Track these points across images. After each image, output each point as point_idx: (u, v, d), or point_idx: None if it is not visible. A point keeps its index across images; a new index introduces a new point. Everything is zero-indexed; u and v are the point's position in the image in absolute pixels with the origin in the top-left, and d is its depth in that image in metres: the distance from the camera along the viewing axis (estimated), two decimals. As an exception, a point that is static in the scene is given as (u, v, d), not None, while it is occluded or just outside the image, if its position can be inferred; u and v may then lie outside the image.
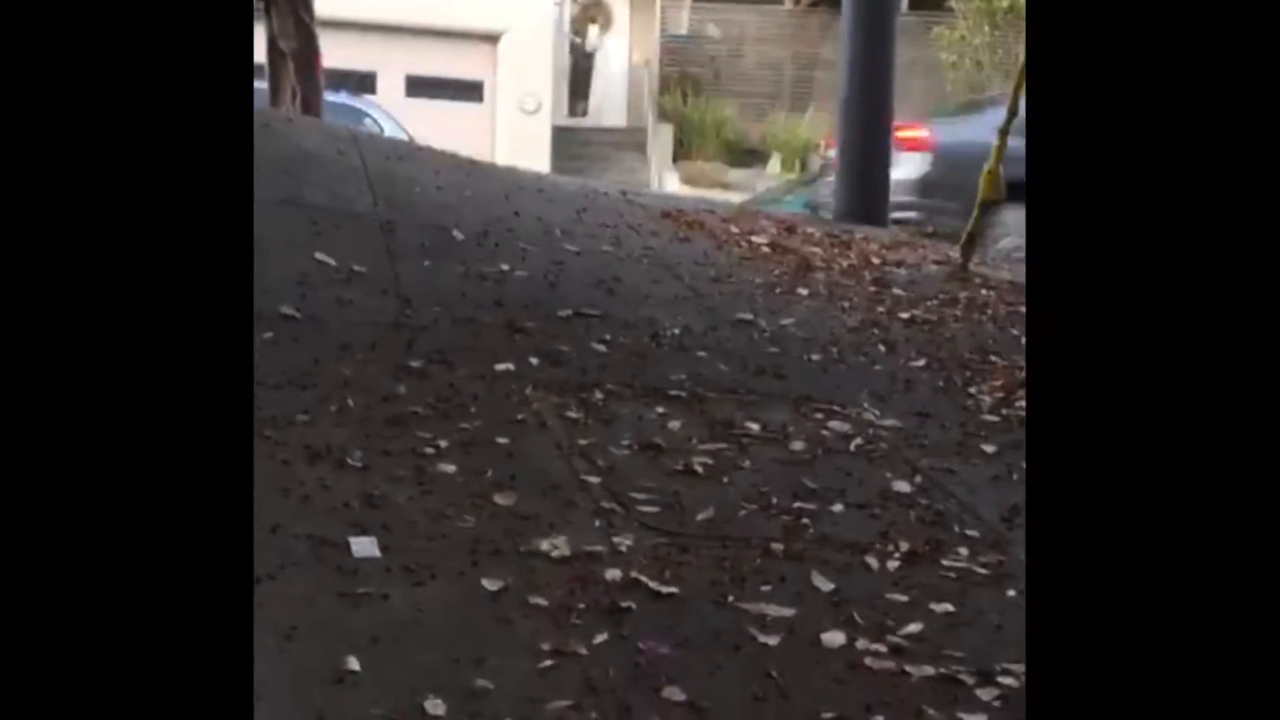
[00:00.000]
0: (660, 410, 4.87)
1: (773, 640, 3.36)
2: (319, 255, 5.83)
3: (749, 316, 6.16)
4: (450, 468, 4.12)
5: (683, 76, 26.96)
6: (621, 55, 27.85)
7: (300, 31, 9.26)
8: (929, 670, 3.30)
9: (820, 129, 24.56)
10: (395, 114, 16.48)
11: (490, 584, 3.45)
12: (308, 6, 9.33)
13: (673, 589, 3.54)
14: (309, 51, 9.32)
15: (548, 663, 3.13)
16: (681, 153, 25.33)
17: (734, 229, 8.03)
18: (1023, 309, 6.99)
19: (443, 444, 4.29)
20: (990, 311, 6.98)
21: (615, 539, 3.80)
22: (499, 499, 3.95)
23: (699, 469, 4.39)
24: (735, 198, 17.51)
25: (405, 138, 13.25)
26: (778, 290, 6.74)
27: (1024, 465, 4.74)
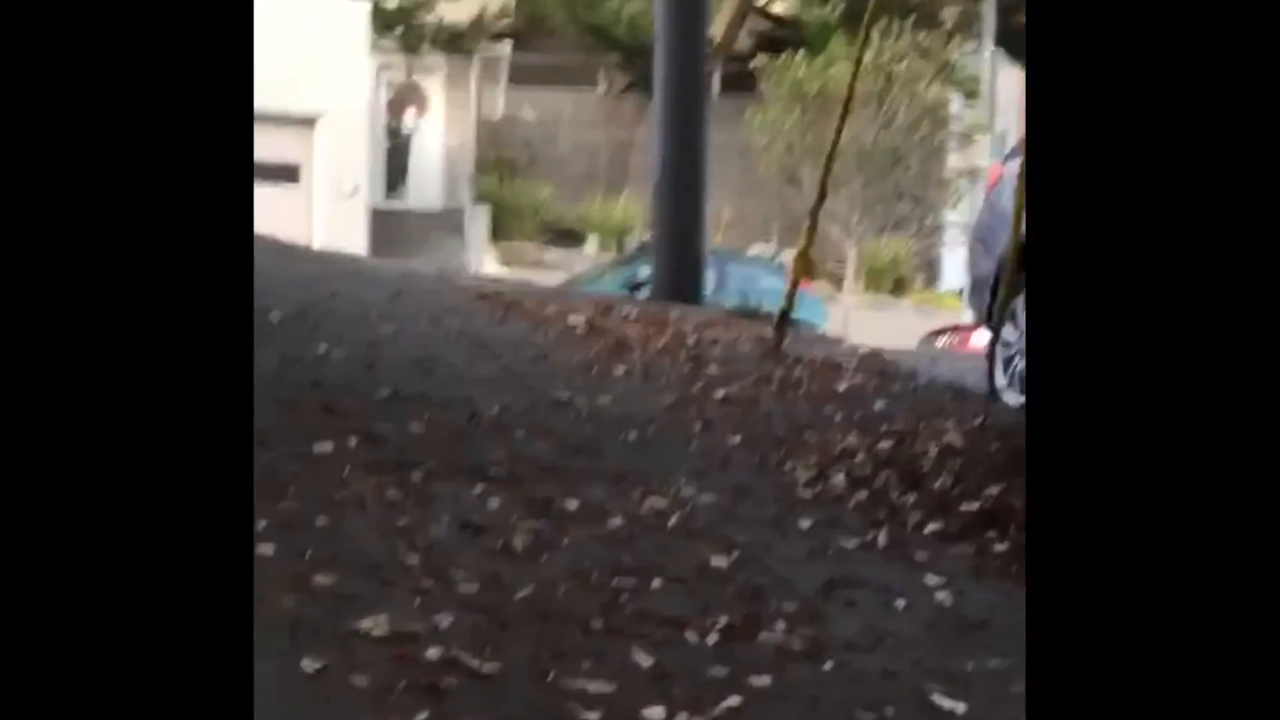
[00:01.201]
0: (479, 490, 4.88)
1: (594, 716, 3.38)
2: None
3: (566, 396, 6.20)
4: (269, 549, 4.09)
5: (499, 159, 27.07)
6: (438, 138, 27.88)
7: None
8: (747, 742, 3.34)
9: (636, 211, 24.82)
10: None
11: (310, 664, 3.43)
12: None
13: (493, 667, 3.55)
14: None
15: (369, 743, 3.12)
16: (499, 234, 25.40)
17: (550, 310, 8.09)
18: (834, 385, 7.12)
19: (261, 524, 4.25)
20: (804, 389, 7.09)
21: (435, 618, 3.79)
22: (319, 579, 3.93)
23: (518, 547, 4.41)
24: (553, 278, 17.62)
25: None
26: (594, 370, 6.79)
27: (838, 540, 4.84)
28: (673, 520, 4.86)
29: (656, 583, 4.27)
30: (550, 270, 22.34)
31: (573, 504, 4.86)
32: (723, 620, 4.02)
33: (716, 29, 25.53)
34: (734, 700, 3.53)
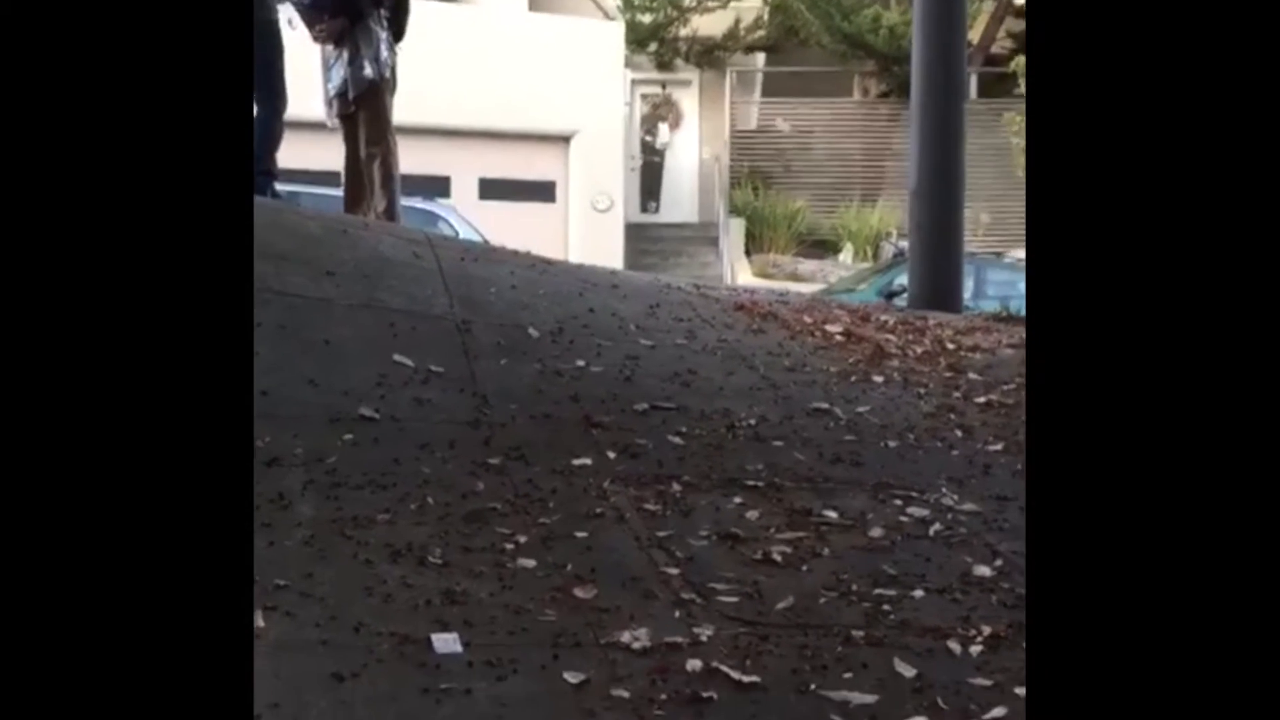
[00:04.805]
0: (738, 500, 4.88)
1: (856, 727, 3.35)
2: (397, 357, 5.89)
3: (824, 405, 6.17)
4: (530, 562, 4.14)
5: (753, 171, 27.10)
6: (692, 151, 28.03)
7: (385, 138, 9.36)
8: (1014, 754, 3.28)
9: (891, 218, 24.65)
10: (469, 216, 16.60)
11: (572, 677, 3.46)
12: (390, 113, 9.43)
13: (754, 678, 3.54)
14: (390, 157, 9.40)
15: (631, 754, 3.13)
16: (753, 245, 25.43)
17: (807, 319, 8.05)
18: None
19: (522, 539, 4.31)
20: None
21: (696, 629, 3.80)
22: (579, 592, 3.97)
23: (778, 558, 4.39)
24: (808, 288, 17.55)
25: (479, 239, 13.35)
26: (852, 378, 6.75)
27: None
28: (934, 529, 4.80)
29: (918, 592, 4.22)
30: (806, 280, 22.29)
31: (832, 513, 4.84)
32: (987, 630, 3.95)
33: (974, 32, 25.22)
34: (999, 711, 3.47)
